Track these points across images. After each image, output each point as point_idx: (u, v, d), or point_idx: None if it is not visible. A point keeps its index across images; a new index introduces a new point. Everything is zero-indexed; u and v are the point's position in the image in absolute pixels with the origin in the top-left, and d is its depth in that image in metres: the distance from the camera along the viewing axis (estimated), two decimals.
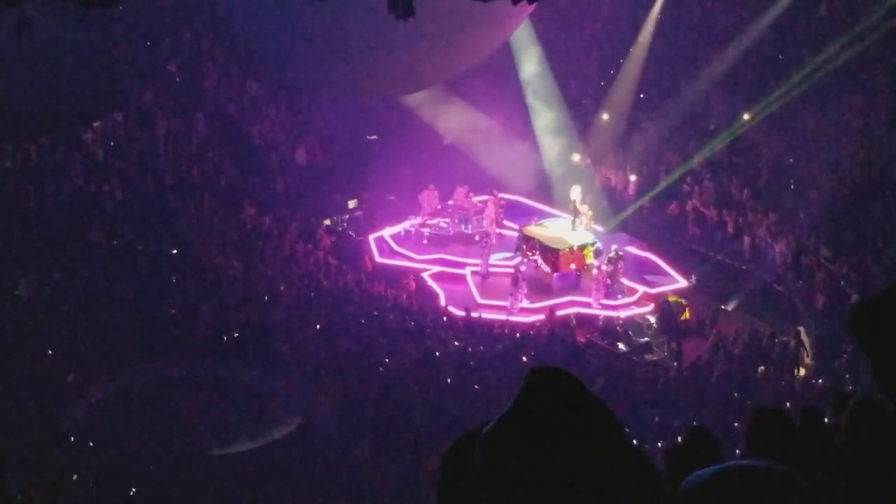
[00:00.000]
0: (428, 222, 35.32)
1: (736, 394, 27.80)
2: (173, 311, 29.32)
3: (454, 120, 39.26)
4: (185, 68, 37.25)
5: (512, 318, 31.43)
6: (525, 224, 34.50)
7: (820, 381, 28.11)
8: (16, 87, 30.19)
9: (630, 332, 31.26)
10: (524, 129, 39.91)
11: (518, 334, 30.53)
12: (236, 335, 29.06)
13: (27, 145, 31.66)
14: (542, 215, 35.77)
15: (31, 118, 31.45)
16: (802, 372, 29.33)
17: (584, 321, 31.85)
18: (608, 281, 32.32)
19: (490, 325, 30.98)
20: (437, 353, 29.01)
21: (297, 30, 33.02)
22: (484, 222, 35.17)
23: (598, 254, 33.28)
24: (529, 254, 33.51)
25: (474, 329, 30.61)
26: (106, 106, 33.66)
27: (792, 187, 35.57)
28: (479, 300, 32.43)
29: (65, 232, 30.30)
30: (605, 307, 32.18)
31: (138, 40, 36.47)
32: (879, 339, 3.89)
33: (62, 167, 32.10)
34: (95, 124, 33.32)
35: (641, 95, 40.14)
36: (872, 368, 3.92)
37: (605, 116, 39.79)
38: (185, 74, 37.15)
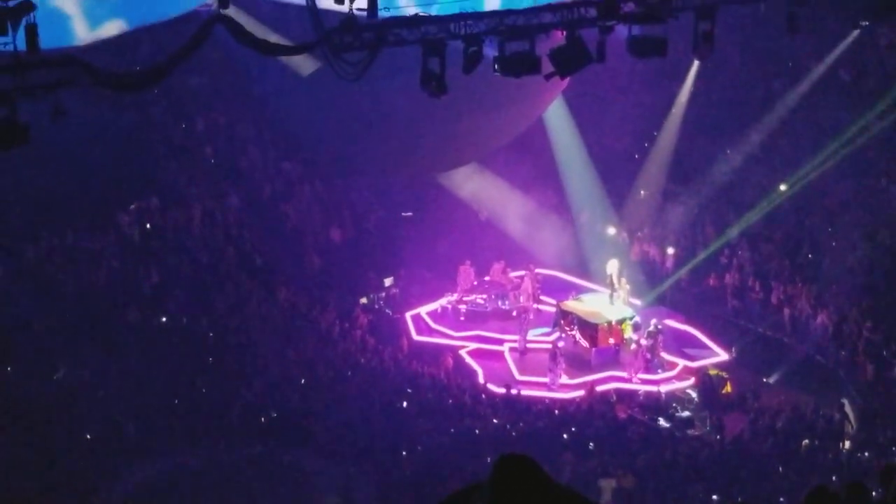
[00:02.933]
0: (465, 299, 35.21)
1: (780, 468, 27.47)
2: (210, 393, 29.27)
3: (489, 195, 39.30)
4: (221, 149, 37.46)
5: (552, 395, 31.22)
6: (562, 299, 34.33)
7: (866, 454, 27.75)
8: (52, 173, 30.44)
9: (671, 407, 30.99)
10: (559, 203, 39.91)
11: (558, 411, 30.30)
12: (274, 416, 28.97)
13: (63, 230, 31.82)
14: (580, 290, 35.61)
15: (68, 203, 31.66)
16: (847, 445, 28.96)
17: (625, 396, 31.58)
18: (648, 355, 32.09)
19: (530, 401, 30.77)
20: (477, 431, 28.83)
21: (331, 110, 33.25)
22: (521, 298, 35.02)
23: (636, 328, 33.09)
24: (567, 329, 33.32)
25: (514, 406, 30.41)
26: (141, 188, 33.85)
27: (831, 257, 35.29)
28: (518, 377, 32.21)
29: (102, 315, 30.35)
30: (644, 381, 31.92)
31: (173, 122, 36.72)
32: None
33: (98, 250, 32.22)
34: (131, 207, 33.47)
35: (676, 167, 40.08)
36: None
37: (642, 192, 39.70)
38: (220, 155, 37.36)
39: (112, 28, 26.93)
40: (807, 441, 28.77)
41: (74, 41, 25.72)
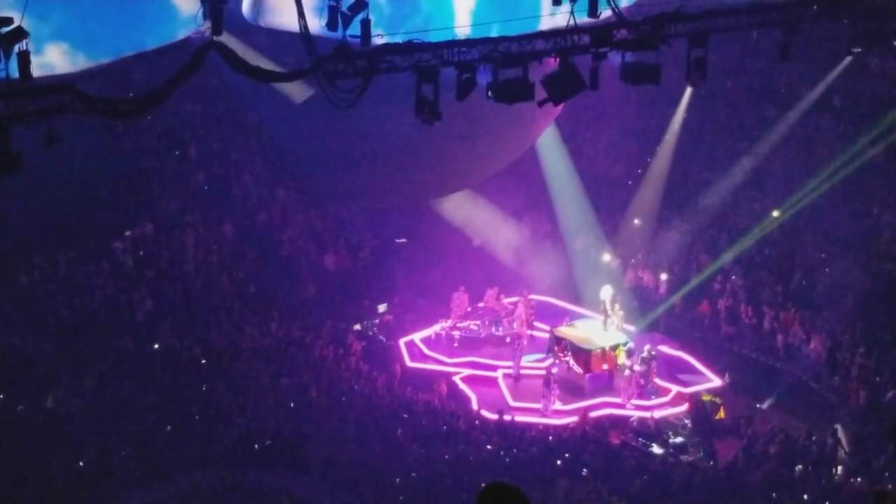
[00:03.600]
0: (458, 325, 35.20)
1: (773, 494, 27.45)
2: (204, 420, 29.23)
3: (483, 222, 39.35)
4: (214, 176, 37.50)
5: (545, 421, 31.20)
6: (556, 325, 34.33)
7: (858, 479, 27.74)
8: (45, 200, 30.46)
9: (665, 433, 30.97)
10: (553, 229, 39.98)
11: (551, 437, 30.27)
12: (268, 443, 28.92)
13: (57, 256, 31.81)
14: (574, 316, 35.60)
15: (61, 229, 31.67)
16: (840, 471, 28.94)
17: (618, 422, 31.55)
18: (641, 381, 32.09)
19: (523, 427, 30.73)
20: (471, 458, 28.79)
21: (324, 137, 33.30)
22: (515, 324, 35.06)
23: (630, 354, 33.05)
24: (561, 355, 33.29)
25: (507, 432, 30.38)
26: (135, 215, 33.86)
27: (823, 283, 35.33)
28: (512, 402, 32.19)
29: (95, 342, 30.32)
30: (638, 407, 31.91)
31: (166, 149, 36.77)
32: None
33: (92, 277, 32.21)
34: (125, 234, 33.47)
35: (670, 194, 40.16)
36: None
37: (636, 221, 39.73)
38: (214, 182, 37.40)
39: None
40: (800, 467, 28.76)
41: None
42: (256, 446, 28.80)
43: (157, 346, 31.32)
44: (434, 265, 37.47)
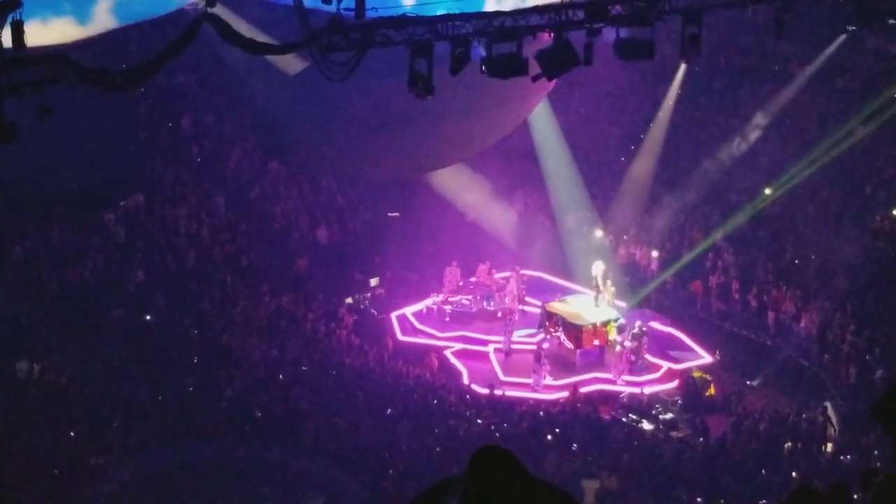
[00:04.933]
0: (450, 299, 35.23)
1: (763, 471, 27.55)
2: (196, 392, 29.24)
3: (475, 197, 39.33)
4: (207, 149, 37.44)
5: (536, 396, 31.26)
6: (548, 300, 34.37)
7: (848, 457, 27.83)
8: (37, 170, 30.41)
9: (655, 409, 31.05)
10: (545, 205, 39.97)
11: (542, 412, 30.34)
12: (259, 415, 28.95)
13: (49, 227, 31.76)
14: (565, 291, 35.64)
15: (53, 201, 31.62)
16: (830, 448, 29.04)
17: (609, 398, 31.64)
18: (632, 357, 32.16)
19: (514, 402, 30.81)
20: (461, 432, 28.85)
21: (317, 110, 33.25)
22: (506, 299, 35.10)
23: (621, 330, 33.14)
24: (552, 330, 33.35)
25: (498, 407, 30.44)
26: (127, 187, 33.80)
27: (816, 262, 35.37)
28: (503, 377, 32.27)
29: (86, 313, 30.29)
30: (629, 383, 31.99)
31: (159, 121, 36.69)
32: None
33: (83, 249, 32.16)
34: (117, 205, 33.41)
35: (663, 170, 40.16)
36: (894, 452, 3.85)
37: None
38: (206, 155, 37.33)
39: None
40: (789, 444, 28.84)
41: None
42: (248, 419, 28.81)
43: (148, 317, 31.29)
44: (426, 240, 37.49)
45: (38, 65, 17.57)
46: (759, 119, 38.84)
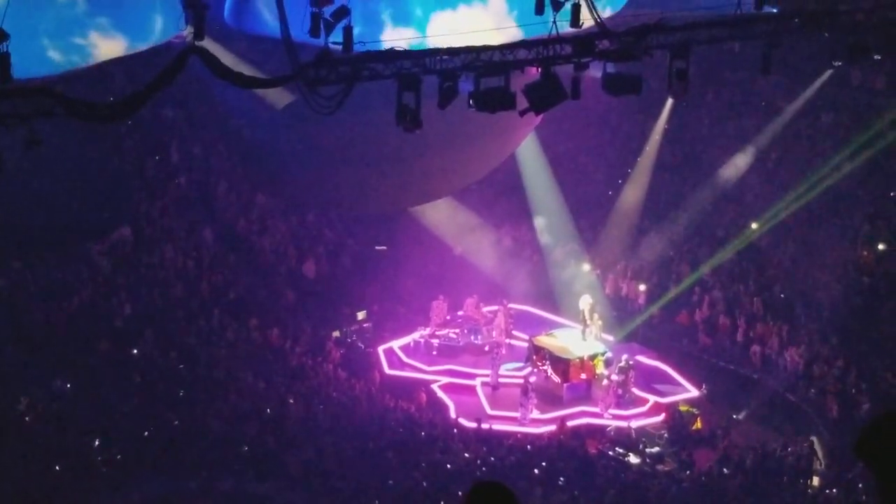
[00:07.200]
0: (437, 333, 35.17)
1: None
2: (182, 425, 29.16)
3: (463, 230, 39.35)
4: (195, 182, 37.45)
5: (523, 429, 31.22)
6: (535, 334, 34.35)
7: (834, 490, 27.83)
8: (24, 202, 30.36)
9: (641, 443, 31.02)
10: (532, 239, 39.99)
11: (529, 446, 30.28)
12: (245, 449, 28.87)
13: (35, 260, 31.70)
14: (552, 325, 35.63)
15: (40, 232, 31.57)
16: (816, 482, 29.03)
17: (596, 431, 31.60)
18: (619, 391, 32.14)
19: (501, 436, 30.75)
20: (448, 466, 28.78)
21: (305, 143, 33.27)
22: (494, 333, 35.07)
23: (608, 364, 33.12)
24: (539, 364, 33.32)
25: (485, 440, 30.38)
26: (114, 219, 33.77)
27: (802, 296, 35.43)
28: (490, 411, 32.20)
29: (73, 346, 30.22)
30: (615, 417, 31.95)
31: (147, 154, 36.70)
32: (881, 462, 3.87)
33: (70, 281, 32.11)
34: (104, 238, 33.37)
35: (650, 204, 40.22)
36: (878, 488, 3.87)
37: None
38: (193, 187, 37.34)
39: None
40: (776, 478, 28.83)
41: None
42: (233, 453, 28.73)
43: (135, 350, 31.22)
44: (413, 273, 37.45)
45: (25, 97, 17.58)
46: (746, 154, 38.91)
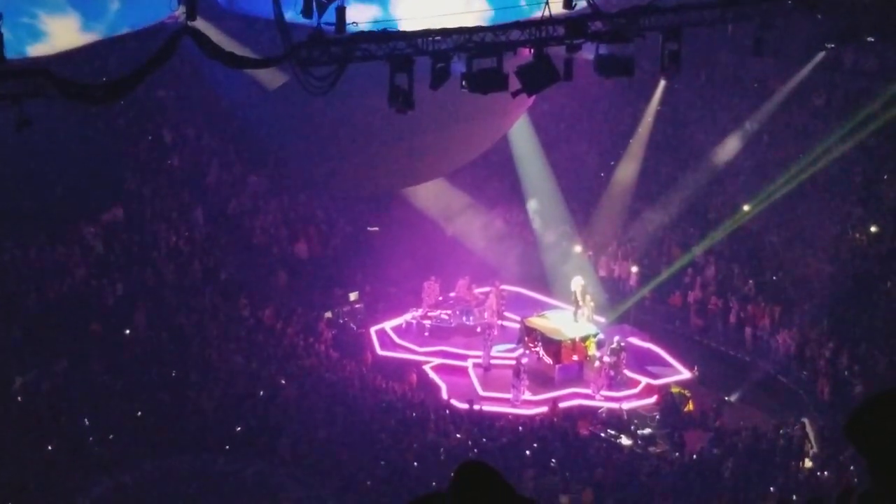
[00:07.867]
0: (429, 314, 35.21)
1: (741, 486, 27.58)
2: (174, 405, 29.17)
3: (455, 212, 39.33)
4: (187, 162, 37.38)
5: (515, 411, 31.26)
6: (527, 316, 34.38)
7: (826, 472, 27.89)
8: (16, 183, 30.30)
9: (633, 424, 31.07)
10: (524, 220, 39.98)
11: (521, 427, 30.33)
12: (238, 429, 28.90)
13: (27, 241, 31.66)
14: (544, 307, 35.67)
15: (32, 213, 31.51)
16: (808, 464, 29.09)
17: (587, 413, 31.65)
18: (611, 372, 32.18)
19: (493, 417, 30.79)
20: (440, 447, 28.83)
21: (297, 124, 33.22)
22: (486, 314, 35.09)
23: (600, 345, 33.16)
24: (531, 345, 33.37)
25: (477, 422, 30.42)
26: (106, 200, 33.72)
27: (795, 278, 35.46)
28: (482, 392, 32.25)
29: (65, 327, 30.21)
30: (607, 399, 32.01)
31: (139, 135, 36.63)
32: (872, 444, 3.89)
33: (62, 262, 32.08)
34: (96, 219, 33.33)
35: (642, 186, 40.21)
36: (869, 470, 3.88)
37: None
38: (186, 168, 37.27)
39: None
40: (767, 459, 28.89)
41: None
42: (226, 433, 28.77)
43: (127, 331, 31.21)
44: (406, 254, 37.40)
45: (17, 78, 17.53)
46: (738, 135, 38.91)
